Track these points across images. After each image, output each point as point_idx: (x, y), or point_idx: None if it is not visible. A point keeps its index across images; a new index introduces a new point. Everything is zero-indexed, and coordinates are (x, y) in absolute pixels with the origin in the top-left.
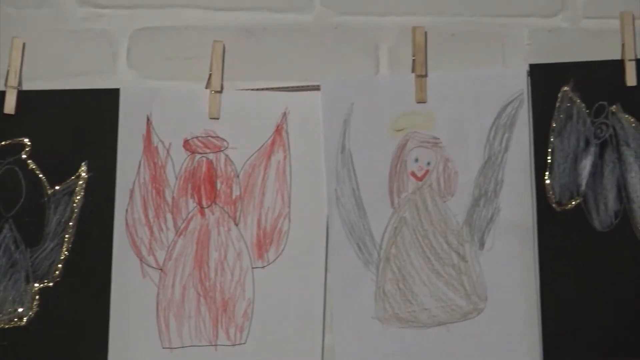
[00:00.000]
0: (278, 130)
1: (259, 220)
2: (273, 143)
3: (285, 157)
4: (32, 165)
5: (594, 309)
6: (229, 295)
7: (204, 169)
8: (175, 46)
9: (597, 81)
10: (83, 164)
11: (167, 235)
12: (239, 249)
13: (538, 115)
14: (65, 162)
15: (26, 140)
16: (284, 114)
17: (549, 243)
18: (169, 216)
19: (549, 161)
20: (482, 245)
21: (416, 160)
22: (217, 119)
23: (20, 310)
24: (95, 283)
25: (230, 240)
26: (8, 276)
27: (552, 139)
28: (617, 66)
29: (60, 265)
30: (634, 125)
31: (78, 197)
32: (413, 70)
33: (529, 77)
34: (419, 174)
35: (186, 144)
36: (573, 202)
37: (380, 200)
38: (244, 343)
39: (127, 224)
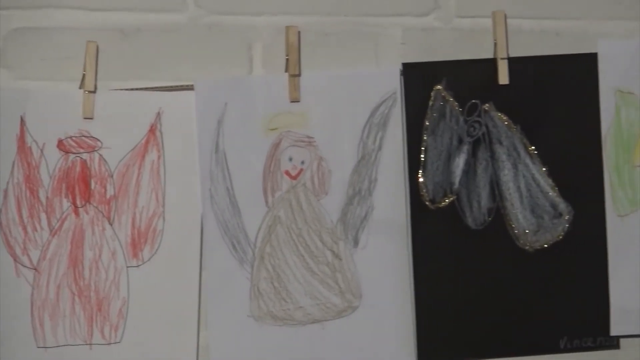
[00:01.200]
0: (152, 130)
1: (133, 220)
2: (147, 143)
3: (159, 157)
4: None
5: (467, 307)
6: (104, 294)
7: (78, 168)
8: (49, 47)
9: (470, 80)
10: None
11: (42, 235)
12: (113, 248)
13: (411, 113)
14: None
15: None
16: (158, 114)
17: (423, 241)
18: (43, 216)
19: (423, 159)
20: (356, 243)
21: (290, 159)
22: (91, 119)
23: None
24: None
25: (104, 240)
26: None
27: (425, 138)
28: (490, 65)
29: None
30: (506, 123)
31: None
32: (286, 70)
33: (402, 76)
34: (293, 173)
35: (60, 144)
36: (446, 200)
37: (254, 199)
38: (119, 342)
39: (0, 224)
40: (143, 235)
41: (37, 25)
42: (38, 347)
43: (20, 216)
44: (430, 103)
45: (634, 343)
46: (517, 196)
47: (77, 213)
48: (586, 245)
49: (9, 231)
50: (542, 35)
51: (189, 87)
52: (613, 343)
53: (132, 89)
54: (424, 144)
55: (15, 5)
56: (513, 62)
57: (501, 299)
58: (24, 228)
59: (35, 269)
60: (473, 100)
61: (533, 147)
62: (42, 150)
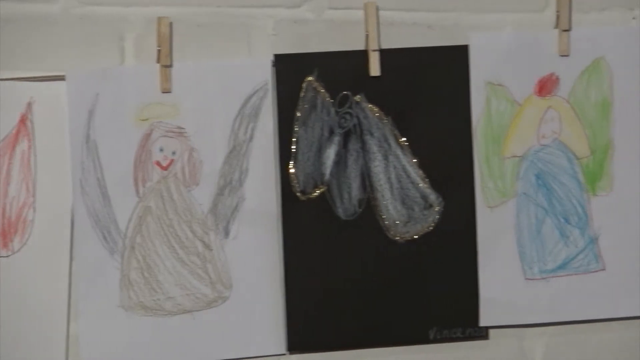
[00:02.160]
0: (22, 120)
1: (3, 210)
2: (17, 133)
3: (30, 147)
4: None
5: (337, 297)
6: None
7: None
8: None
9: (342, 71)
10: None
11: None
12: None
13: (283, 105)
14: None
15: None
16: (29, 104)
17: (294, 232)
18: None
19: (294, 150)
20: (227, 233)
21: (161, 149)
22: None
23: None
24: None
25: None
26: None
27: (296, 129)
28: (361, 56)
29: None
30: (377, 114)
31: None
32: (158, 61)
33: (274, 68)
34: (164, 164)
35: None
36: (317, 191)
37: (125, 190)
38: None
39: None
40: (13, 226)
41: None
42: None
43: None
44: (302, 94)
45: (502, 334)
46: (388, 187)
47: None
48: (456, 236)
49: None
50: (414, 28)
51: (61, 78)
52: (482, 334)
53: (2, 79)
54: (295, 135)
55: None
56: (384, 53)
57: (371, 290)
58: None
59: None
60: (344, 92)
61: (404, 139)
62: None
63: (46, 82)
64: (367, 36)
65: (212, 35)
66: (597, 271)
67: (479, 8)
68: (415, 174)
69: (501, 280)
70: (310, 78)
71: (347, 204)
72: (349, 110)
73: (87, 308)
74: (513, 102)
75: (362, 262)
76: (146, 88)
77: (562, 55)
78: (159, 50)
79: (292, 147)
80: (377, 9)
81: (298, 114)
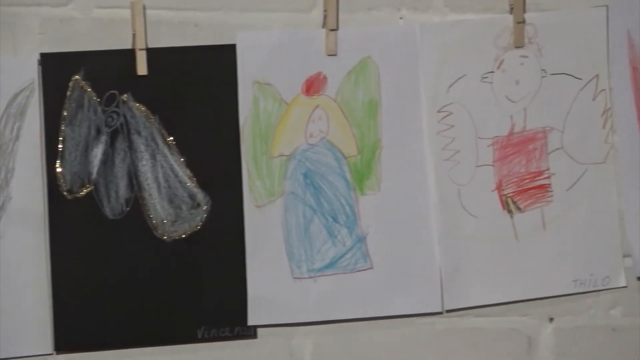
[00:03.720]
0: None
1: None
2: None
3: None
4: None
5: (105, 297)
6: None
7: None
8: None
9: (109, 70)
10: None
11: None
12: None
13: (49, 104)
14: None
15: None
16: None
17: (60, 231)
18: None
19: (61, 150)
20: None
21: None
22: None
23: None
24: None
25: None
26: None
27: (63, 128)
28: (128, 55)
29: None
30: (144, 113)
31: None
32: None
33: (40, 67)
34: None
35: None
36: (84, 190)
37: None
38: None
39: None
40: None
41: None
42: None
43: None
44: (69, 93)
45: (271, 332)
46: (155, 186)
47: None
48: (224, 235)
49: None
50: (181, 27)
51: None
52: (250, 332)
53: None
54: (62, 134)
55: None
56: (151, 52)
57: (139, 289)
58: None
59: None
60: (111, 91)
61: (172, 138)
62: None
63: None
64: (133, 35)
65: None
66: (365, 270)
67: (247, 7)
68: (183, 173)
69: (269, 279)
70: (76, 77)
71: (114, 203)
72: (116, 110)
73: None
74: (281, 102)
75: (129, 262)
76: None
77: (329, 55)
78: None
79: (59, 146)
80: (144, 7)
81: (65, 113)
